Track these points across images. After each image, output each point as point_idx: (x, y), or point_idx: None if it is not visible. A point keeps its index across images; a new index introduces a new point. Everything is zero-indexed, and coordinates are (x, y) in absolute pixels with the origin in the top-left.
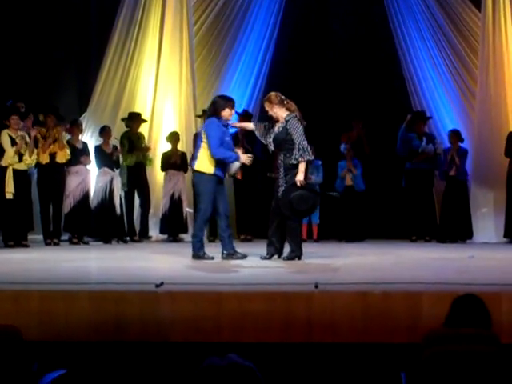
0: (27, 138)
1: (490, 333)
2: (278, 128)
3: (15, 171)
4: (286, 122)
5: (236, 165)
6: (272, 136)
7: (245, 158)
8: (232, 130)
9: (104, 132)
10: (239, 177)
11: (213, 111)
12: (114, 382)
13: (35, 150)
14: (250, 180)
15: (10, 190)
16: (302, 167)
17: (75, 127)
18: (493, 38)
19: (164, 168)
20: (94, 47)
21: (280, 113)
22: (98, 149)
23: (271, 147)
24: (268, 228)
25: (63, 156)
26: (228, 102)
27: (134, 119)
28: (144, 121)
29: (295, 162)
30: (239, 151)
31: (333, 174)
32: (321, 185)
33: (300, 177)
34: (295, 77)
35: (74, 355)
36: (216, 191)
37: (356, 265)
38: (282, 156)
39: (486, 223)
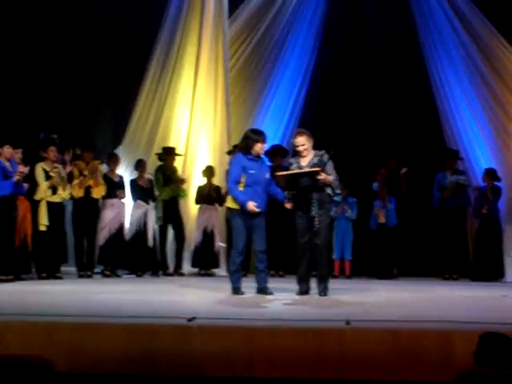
0: (62, 173)
1: None
2: (312, 159)
3: (49, 203)
4: (323, 154)
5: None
6: (308, 168)
7: (250, 208)
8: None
9: (140, 165)
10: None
11: (244, 145)
12: None
13: (68, 185)
14: (281, 215)
15: (43, 222)
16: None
17: (112, 160)
18: None
19: (198, 201)
20: (130, 81)
21: (310, 148)
22: (133, 182)
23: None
24: (298, 265)
25: (99, 192)
26: (259, 135)
27: (169, 153)
28: (178, 155)
29: (335, 198)
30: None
31: (367, 211)
32: (355, 221)
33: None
34: (329, 114)
35: None
36: (248, 226)
37: (388, 302)
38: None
39: None
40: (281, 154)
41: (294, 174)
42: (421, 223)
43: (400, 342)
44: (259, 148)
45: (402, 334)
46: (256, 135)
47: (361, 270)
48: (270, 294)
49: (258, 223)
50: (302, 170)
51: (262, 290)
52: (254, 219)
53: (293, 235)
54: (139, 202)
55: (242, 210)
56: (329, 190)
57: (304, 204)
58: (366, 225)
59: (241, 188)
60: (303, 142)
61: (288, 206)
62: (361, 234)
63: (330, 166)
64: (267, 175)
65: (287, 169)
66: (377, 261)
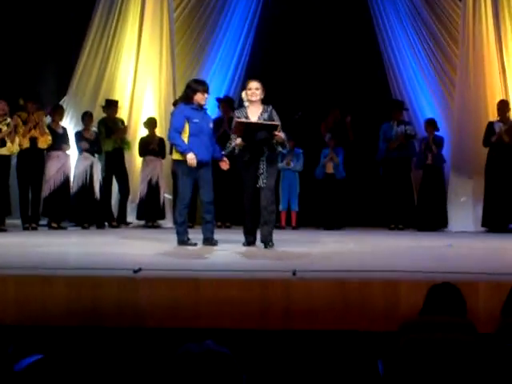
0: (11, 126)
1: (467, 321)
2: (262, 114)
3: None
4: (271, 110)
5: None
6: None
7: (189, 161)
8: (215, 115)
9: (86, 118)
10: (224, 167)
11: (185, 96)
12: (89, 367)
13: (16, 138)
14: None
15: None
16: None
17: (57, 112)
18: (473, 27)
19: (142, 154)
20: (74, 31)
21: (260, 100)
22: (78, 134)
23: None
24: (245, 217)
25: (44, 142)
26: (199, 85)
27: (110, 105)
28: (116, 106)
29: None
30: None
31: (315, 162)
32: (302, 172)
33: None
34: (275, 64)
35: (50, 340)
36: (194, 176)
37: (334, 252)
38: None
39: (464, 212)
40: (231, 105)
41: (258, 124)
42: (366, 174)
43: (346, 292)
44: (200, 98)
45: (348, 284)
46: (197, 85)
47: (307, 221)
48: (215, 244)
49: (205, 174)
50: (267, 122)
51: (208, 240)
52: (199, 170)
53: (239, 186)
54: (85, 154)
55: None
56: (279, 148)
57: (254, 158)
58: (312, 175)
59: (185, 138)
60: (258, 86)
61: (224, 166)
62: (307, 185)
63: (278, 122)
64: (211, 125)
65: (232, 119)
66: (323, 211)
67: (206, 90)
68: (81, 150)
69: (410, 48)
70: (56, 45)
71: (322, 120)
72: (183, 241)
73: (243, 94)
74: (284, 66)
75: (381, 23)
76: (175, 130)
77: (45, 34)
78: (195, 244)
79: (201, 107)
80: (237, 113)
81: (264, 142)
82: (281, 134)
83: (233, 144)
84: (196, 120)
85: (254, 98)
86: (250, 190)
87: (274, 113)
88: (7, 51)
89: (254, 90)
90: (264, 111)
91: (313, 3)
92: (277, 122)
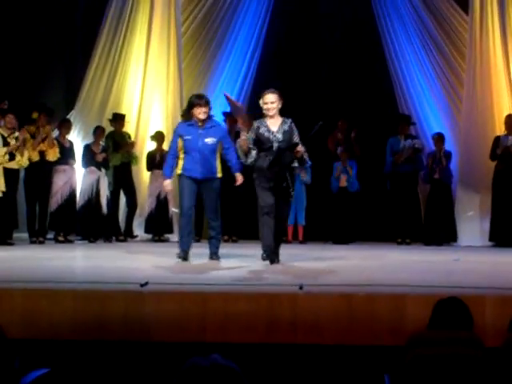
0: (20, 139)
1: (473, 336)
2: (282, 126)
3: (6, 169)
4: (291, 123)
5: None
6: (280, 134)
7: (164, 185)
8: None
9: (98, 132)
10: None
11: (184, 112)
12: (96, 381)
13: (25, 151)
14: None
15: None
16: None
17: (64, 126)
18: (480, 42)
19: (149, 168)
20: (82, 45)
21: (278, 111)
22: (87, 148)
23: (277, 145)
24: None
25: (53, 154)
26: (196, 99)
27: (117, 119)
28: (124, 120)
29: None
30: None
31: (321, 175)
32: (310, 186)
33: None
34: (283, 77)
35: (57, 354)
36: (193, 189)
37: (341, 267)
38: (286, 157)
39: (471, 226)
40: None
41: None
42: (374, 188)
43: (352, 306)
44: (197, 112)
45: (355, 298)
46: (195, 99)
47: (314, 235)
48: (218, 259)
49: (205, 191)
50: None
51: (212, 256)
52: (201, 185)
53: (246, 200)
54: (91, 168)
55: (187, 175)
56: (296, 163)
57: (277, 174)
58: (320, 189)
59: (181, 155)
60: (274, 99)
61: (239, 180)
62: (314, 199)
63: (297, 135)
64: (210, 140)
65: (239, 133)
66: (333, 225)
67: (202, 104)
68: (86, 164)
69: (418, 63)
70: (64, 58)
71: (329, 133)
72: (183, 252)
73: (260, 102)
74: (291, 79)
75: (388, 37)
76: (170, 151)
77: (53, 47)
78: (184, 259)
79: (202, 122)
80: (257, 123)
81: (290, 162)
82: (301, 149)
83: (251, 152)
84: (188, 137)
85: (270, 113)
86: (268, 202)
87: (294, 126)
88: (15, 64)
89: (270, 105)
90: (283, 123)
91: (320, 19)
92: (296, 140)
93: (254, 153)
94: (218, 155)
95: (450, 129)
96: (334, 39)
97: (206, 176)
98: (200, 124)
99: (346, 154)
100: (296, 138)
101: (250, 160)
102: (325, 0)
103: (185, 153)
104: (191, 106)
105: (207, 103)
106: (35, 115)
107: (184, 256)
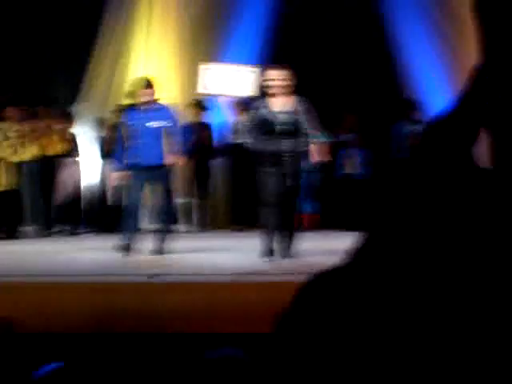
0: (23, 133)
1: None
2: (286, 106)
3: (9, 163)
4: (300, 101)
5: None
6: (283, 115)
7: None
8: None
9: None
10: (180, 163)
11: (129, 95)
12: (107, 374)
13: (26, 144)
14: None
15: (2, 182)
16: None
17: (67, 119)
18: None
19: None
20: (84, 37)
21: (289, 90)
22: (102, 139)
23: (280, 127)
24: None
25: (56, 147)
26: (139, 82)
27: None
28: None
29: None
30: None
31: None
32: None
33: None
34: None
35: (67, 347)
36: (141, 181)
37: (342, 252)
38: (293, 141)
39: None
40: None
41: None
42: (378, 175)
43: None
44: (138, 96)
45: None
46: (137, 82)
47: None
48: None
49: (152, 178)
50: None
51: (154, 251)
52: (147, 174)
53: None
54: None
55: (134, 166)
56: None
57: (281, 159)
58: (332, 176)
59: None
60: (275, 76)
61: (180, 161)
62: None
63: (311, 119)
64: (153, 124)
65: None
66: (345, 212)
67: (143, 86)
68: (104, 155)
69: (421, 47)
70: (67, 51)
71: (335, 122)
72: (121, 245)
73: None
74: (296, 69)
75: (391, 24)
76: (119, 138)
77: (56, 40)
78: (127, 254)
79: (145, 104)
80: (257, 103)
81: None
82: (317, 151)
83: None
84: (130, 123)
85: (271, 91)
86: (275, 191)
87: (305, 106)
88: (18, 58)
89: (271, 82)
90: (291, 102)
91: (323, 14)
92: (305, 126)
93: (251, 135)
94: (163, 140)
95: None
96: (335, 29)
97: (148, 163)
98: (145, 108)
99: (352, 141)
100: (305, 124)
101: (244, 139)
102: None
103: (128, 140)
104: (135, 89)
105: (149, 85)
106: (41, 109)
107: (126, 248)
